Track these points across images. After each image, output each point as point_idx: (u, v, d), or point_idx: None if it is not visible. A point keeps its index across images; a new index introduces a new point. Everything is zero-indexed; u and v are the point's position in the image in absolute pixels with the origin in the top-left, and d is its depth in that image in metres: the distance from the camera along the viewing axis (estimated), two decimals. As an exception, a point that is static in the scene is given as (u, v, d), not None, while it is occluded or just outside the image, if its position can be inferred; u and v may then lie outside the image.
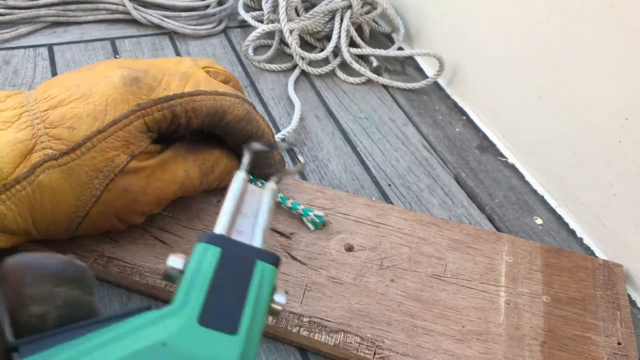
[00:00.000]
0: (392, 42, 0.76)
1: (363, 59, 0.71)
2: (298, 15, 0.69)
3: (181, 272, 0.28)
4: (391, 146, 0.59)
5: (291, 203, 0.45)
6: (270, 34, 0.71)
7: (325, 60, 0.69)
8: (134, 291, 0.41)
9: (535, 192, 0.56)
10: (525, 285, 0.43)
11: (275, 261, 0.30)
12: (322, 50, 0.70)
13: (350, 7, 0.69)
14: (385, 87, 0.68)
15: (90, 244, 0.41)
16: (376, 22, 0.77)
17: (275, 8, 0.70)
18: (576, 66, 0.51)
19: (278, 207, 0.46)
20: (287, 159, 0.55)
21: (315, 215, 0.44)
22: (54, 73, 0.62)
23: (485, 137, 0.62)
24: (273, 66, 0.67)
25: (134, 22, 0.72)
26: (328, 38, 0.70)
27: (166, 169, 0.39)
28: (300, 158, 0.39)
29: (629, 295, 0.45)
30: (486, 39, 0.62)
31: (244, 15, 0.72)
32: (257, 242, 0.31)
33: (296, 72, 0.67)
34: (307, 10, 0.71)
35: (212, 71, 0.43)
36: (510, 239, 0.47)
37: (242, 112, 0.40)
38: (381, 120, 0.62)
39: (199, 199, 0.46)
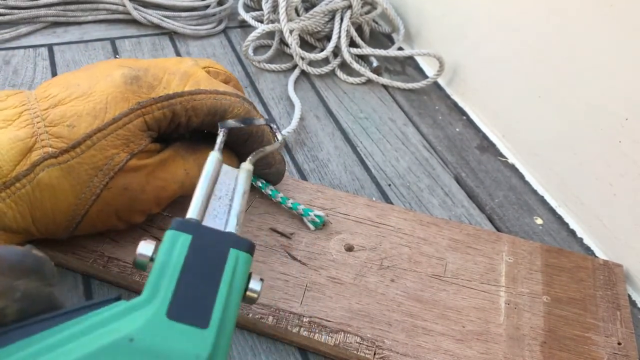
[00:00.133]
0: (392, 42, 0.76)
1: (363, 59, 0.71)
2: (298, 15, 0.69)
3: (151, 259, 0.27)
4: (391, 146, 0.59)
5: (291, 203, 0.45)
6: (270, 34, 0.71)
7: (325, 60, 0.69)
8: (134, 291, 0.41)
9: (535, 192, 0.56)
10: (526, 286, 0.43)
11: (249, 248, 0.28)
12: (322, 50, 0.70)
13: (350, 7, 0.69)
14: (385, 87, 0.68)
15: (91, 244, 0.41)
16: (376, 22, 0.77)
17: (275, 8, 0.70)
18: (576, 66, 0.51)
19: (278, 207, 0.46)
20: (287, 159, 0.55)
21: (316, 215, 0.44)
22: (54, 73, 0.62)
23: (485, 137, 0.62)
24: (273, 66, 0.67)
25: (134, 22, 0.72)
26: (328, 38, 0.70)
27: (166, 167, 0.39)
28: (279, 136, 0.38)
29: (629, 296, 0.45)
30: (486, 39, 0.62)
31: (244, 15, 0.72)
32: (231, 227, 0.30)
33: (296, 72, 0.67)
34: (307, 10, 0.70)
35: (213, 71, 0.43)
36: (510, 239, 0.47)
37: (242, 112, 0.40)
38: (381, 120, 0.62)
39: (199, 199, 0.46)
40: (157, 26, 0.71)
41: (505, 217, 0.52)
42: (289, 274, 0.41)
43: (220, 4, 0.75)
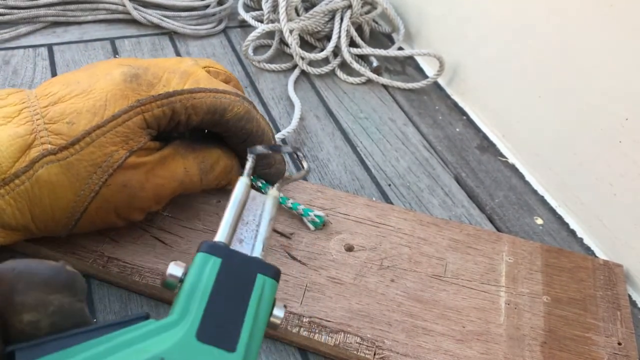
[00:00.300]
0: (392, 42, 0.76)
1: (363, 59, 0.71)
2: (298, 15, 0.69)
3: (180, 280, 0.28)
4: (391, 146, 0.59)
5: (291, 203, 0.45)
6: (270, 34, 0.71)
7: (325, 60, 0.69)
8: (134, 291, 0.41)
9: (535, 192, 0.56)
10: (526, 286, 0.43)
11: (275, 275, 0.29)
12: (322, 50, 0.70)
13: (350, 7, 0.69)
14: (385, 87, 0.68)
15: (90, 244, 0.41)
16: (376, 22, 0.77)
17: (275, 8, 0.70)
18: (576, 66, 0.51)
19: (278, 207, 0.46)
20: (287, 159, 0.55)
21: (316, 216, 0.44)
22: (54, 73, 0.62)
23: (485, 137, 0.62)
24: (273, 66, 0.67)
25: (133, 22, 0.72)
26: (328, 38, 0.70)
27: (166, 165, 0.39)
28: (305, 164, 0.38)
29: (629, 296, 0.45)
30: (486, 39, 0.62)
31: (244, 15, 0.72)
32: (257, 252, 0.31)
33: (296, 72, 0.67)
34: (307, 10, 0.70)
35: (213, 71, 0.43)
36: (510, 239, 0.47)
37: (242, 110, 0.40)
38: (381, 120, 0.62)
39: (199, 199, 0.46)
40: (157, 26, 0.71)
41: (506, 217, 0.52)
42: (288, 274, 0.41)
43: (220, 3, 0.75)
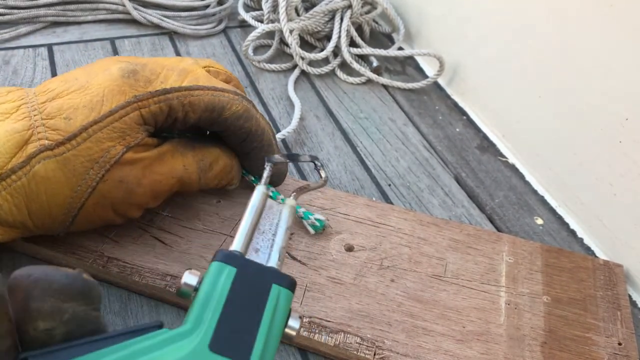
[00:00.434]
0: (392, 42, 0.76)
1: (363, 59, 0.71)
2: (298, 15, 0.69)
3: (195, 289, 0.28)
4: (391, 146, 0.59)
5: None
6: (270, 34, 0.71)
7: (325, 60, 0.69)
8: (134, 291, 0.41)
9: (535, 192, 0.56)
10: (526, 286, 0.43)
11: (291, 285, 0.29)
12: (322, 50, 0.70)
13: (350, 7, 0.69)
14: (385, 87, 0.68)
15: (90, 244, 0.41)
16: (376, 22, 0.77)
17: (275, 8, 0.70)
18: (576, 66, 0.51)
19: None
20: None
21: (316, 219, 0.44)
22: (54, 73, 0.62)
23: (485, 137, 0.62)
24: (273, 66, 0.67)
25: (133, 22, 0.72)
26: (328, 38, 0.70)
27: (164, 162, 0.39)
28: (323, 173, 0.38)
29: (629, 296, 0.45)
30: (486, 39, 0.62)
31: (244, 15, 0.72)
32: (273, 262, 0.30)
33: (296, 72, 0.67)
34: (307, 10, 0.70)
35: (213, 71, 0.43)
36: (510, 239, 0.47)
37: (240, 109, 0.40)
38: (381, 120, 0.62)
39: (199, 199, 0.46)
40: (157, 26, 0.71)
41: (506, 217, 0.52)
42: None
43: (220, 3, 0.75)
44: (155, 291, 0.40)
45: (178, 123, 0.39)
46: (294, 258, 0.43)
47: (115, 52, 0.67)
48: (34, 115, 0.35)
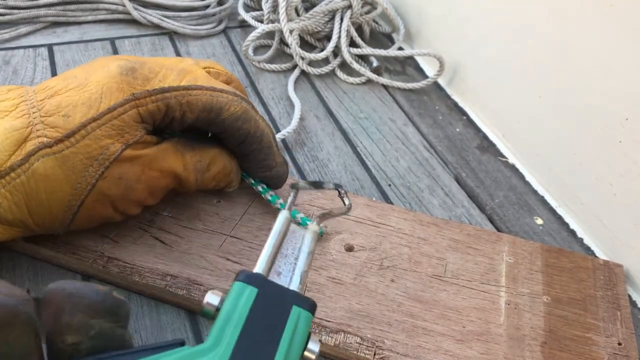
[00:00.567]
0: (392, 42, 0.76)
1: (363, 59, 0.71)
2: (298, 15, 0.69)
3: (217, 309, 0.28)
4: (391, 146, 0.59)
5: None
6: (270, 34, 0.71)
7: (325, 60, 0.69)
8: (134, 291, 0.41)
9: (535, 192, 0.56)
10: (526, 286, 0.43)
11: (311, 308, 0.29)
12: (322, 50, 0.70)
13: (350, 7, 0.69)
14: (385, 87, 0.68)
15: (90, 244, 0.41)
16: (376, 22, 0.77)
17: (275, 8, 0.70)
18: (576, 66, 0.51)
19: (278, 210, 0.46)
20: (287, 159, 0.55)
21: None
22: (54, 73, 0.62)
23: (485, 137, 0.62)
24: (273, 66, 0.67)
25: (133, 22, 0.72)
26: (328, 38, 0.70)
27: (164, 159, 0.38)
28: (346, 200, 0.38)
29: (629, 296, 0.45)
30: (486, 39, 0.62)
31: (244, 15, 0.72)
32: (294, 285, 0.31)
33: (296, 72, 0.67)
34: (307, 10, 0.70)
35: (213, 72, 0.43)
36: (510, 239, 0.47)
37: (239, 110, 0.40)
38: (381, 120, 0.62)
39: (199, 199, 0.46)
40: (157, 26, 0.71)
41: (506, 217, 0.52)
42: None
43: (220, 3, 0.75)
44: (155, 291, 0.40)
45: (176, 122, 0.39)
46: (294, 258, 0.43)
47: (116, 52, 0.67)
48: (33, 113, 0.35)
